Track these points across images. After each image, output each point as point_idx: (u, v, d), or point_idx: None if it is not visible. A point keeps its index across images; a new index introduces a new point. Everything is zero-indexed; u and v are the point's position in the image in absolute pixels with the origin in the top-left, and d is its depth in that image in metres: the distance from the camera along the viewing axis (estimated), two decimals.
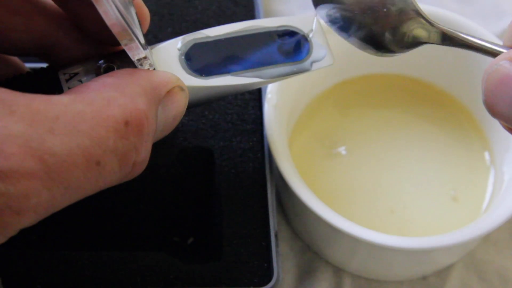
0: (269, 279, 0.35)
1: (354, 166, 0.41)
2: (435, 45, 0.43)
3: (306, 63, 0.31)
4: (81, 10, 0.27)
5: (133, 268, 0.34)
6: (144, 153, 0.24)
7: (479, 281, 0.40)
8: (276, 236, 0.36)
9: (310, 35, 0.32)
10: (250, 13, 0.46)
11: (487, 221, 0.35)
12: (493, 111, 0.24)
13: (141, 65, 0.26)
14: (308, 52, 0.31)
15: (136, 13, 0.28)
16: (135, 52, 0.25)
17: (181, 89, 0.27)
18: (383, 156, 0.41)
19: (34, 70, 0.28)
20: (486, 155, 0.41)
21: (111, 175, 0.23)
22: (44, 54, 0.29)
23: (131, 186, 0.35)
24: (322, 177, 0.41)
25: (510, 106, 0.23)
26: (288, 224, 0.41)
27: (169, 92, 0.26)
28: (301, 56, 0.31)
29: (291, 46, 0.31)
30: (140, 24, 0.28)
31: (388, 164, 0.41)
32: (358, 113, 0.43)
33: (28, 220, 0.21)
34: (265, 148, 0.39)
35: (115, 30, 0.23)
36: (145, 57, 0.26)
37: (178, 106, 0.27)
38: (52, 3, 0.28)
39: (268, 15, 0.50)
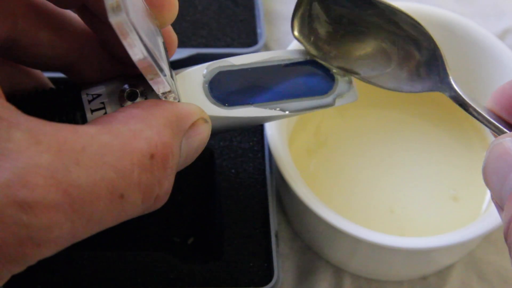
0: (269, 279, 0.35)
1: (354, 166, 0.41)
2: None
3: (329, 98, 0.31)
4: (108, 32, 0.27)
5: (133, 268, 0.34)
6: (167, 186, 0.24)
7: (479, 281, 0.40)
8: (276, 236, 0.36)
9: (335, 70, 0.31)
10: (250, 13, 0.46)
11: (487, 221, 0.35)
12: (486, 181, 0.25)
13: (165, 97, 0.26)
14: (333, 86, 0.31)
15: (163, 42, 0.27)
16: (160, 86, 0.25)
17: (205, 121, 0.27)
18: (383, 156, 0.41)
19: (57, 87, 0.28)
20: None
21: (134, 208, 0.23)
22: (68, 70, 0.29)
23: None
24: (322, 177, 0.41)
25: (500, 180, 0.24)
26: (288, 224, 0.41)
27: (193, 124, 0.26)
28: (325, 91, 0.31)
29: (315, 79, 0.31)
30: (167, 51, 0.28)
31: (388, 164, 0.41)
32: (358, 113, 0.43)
33: (48, 251, 0.21)
34: (265, 148, 0.39)
35: (140, 66, 0.23)
36: (170, 91, 0.26)
37: (201, 138, 0.27)
38: (80, 21, 0.28)
39: (268, 15, 0.50)
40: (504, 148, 0.24)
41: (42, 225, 0.20)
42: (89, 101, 0.27)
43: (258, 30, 0.45)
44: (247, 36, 0.45)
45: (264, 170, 0.38)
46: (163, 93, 0.26)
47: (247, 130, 0.39)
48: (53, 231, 0.21)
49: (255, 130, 0.39)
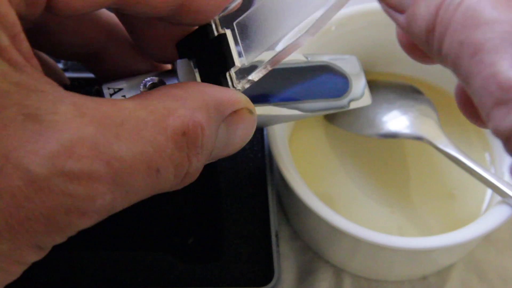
0: (269, 279, 0.35)
1: (354, 166, 0.41)
2: None
3: (344, 101, 0.32)
4: (142, 28, 0.28)
5: (133, 268, 0.34)
6: (196, 165, 0.25)
7: (479, 281, 0.40)
8: (276, 236, 0.36)
9: (351, 74, 0.32)
10: None
11: (487, 221, 0.35)
12: None
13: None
14: (347, 90, 0.32)
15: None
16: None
17: (250, 112, 0.27)
18: (383, 156, 0.41)
19: (78, 81, 0.29)
20: (487, 156, 0.41)
21: (167, 182, 0.24)
22: (89, 60, 0.30)
23: None
24: (322, 177, 0.41)
25: None
26: (288, 224, 0.41)
27: (236, 112, 0.26)
28: (340, 93, 0.32)
29: (331, 82, 0.32)
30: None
31: (388, 164, 0.41)
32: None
33: (90, 221, 0.22)
34: (265, 148, 0.39)
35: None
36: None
37: (245, 127, 0.27)
38: (109, 13, 0.29)
39: None
40: None
41: (87, 195, 0.21)
42: (111, 95, 0.28)
43: None
44: None
45: (264, 170, 0.38)
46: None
47: None
48: (97, 201, 0.21)
49: (255, 130, 0.39)
